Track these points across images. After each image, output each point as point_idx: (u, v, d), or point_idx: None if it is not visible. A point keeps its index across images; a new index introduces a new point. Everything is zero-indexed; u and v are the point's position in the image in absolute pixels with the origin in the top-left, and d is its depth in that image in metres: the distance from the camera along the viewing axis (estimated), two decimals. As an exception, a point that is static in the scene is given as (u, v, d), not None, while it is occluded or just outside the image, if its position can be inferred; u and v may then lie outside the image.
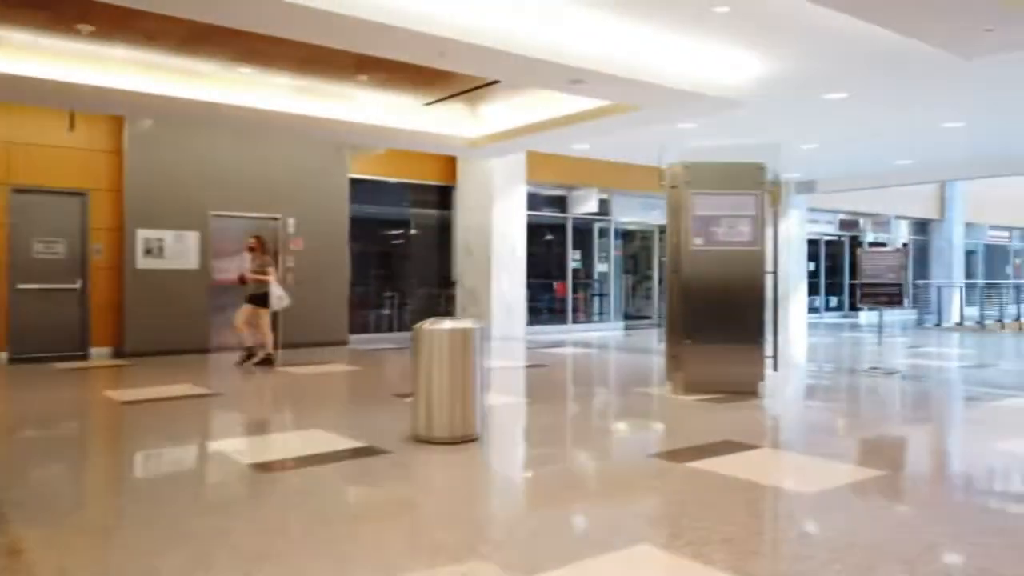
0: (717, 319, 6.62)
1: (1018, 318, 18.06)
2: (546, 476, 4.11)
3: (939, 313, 16.70)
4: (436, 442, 4.62)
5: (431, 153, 12.58)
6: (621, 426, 5.47)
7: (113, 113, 9.66)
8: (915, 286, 19.30)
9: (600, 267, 15.18)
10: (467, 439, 4.69)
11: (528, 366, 9.16)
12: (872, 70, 8.04)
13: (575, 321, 14.63)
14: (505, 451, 4.58)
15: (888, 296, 8.33)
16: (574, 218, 14.55)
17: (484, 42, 6.51)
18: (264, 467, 4.08)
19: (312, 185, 11.54)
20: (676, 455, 4.41)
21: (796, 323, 17.23)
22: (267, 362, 8.96)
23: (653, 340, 12.67)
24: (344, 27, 6.06)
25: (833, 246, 20.40)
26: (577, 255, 14.71)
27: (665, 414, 5.99)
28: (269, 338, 9.16)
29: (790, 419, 5.85)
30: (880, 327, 8.40)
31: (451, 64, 7.07)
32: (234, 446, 4.65)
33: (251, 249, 9.31)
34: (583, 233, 15.10)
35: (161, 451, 4.67)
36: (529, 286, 13.99)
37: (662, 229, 16.94)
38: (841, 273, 20.47)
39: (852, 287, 20.65)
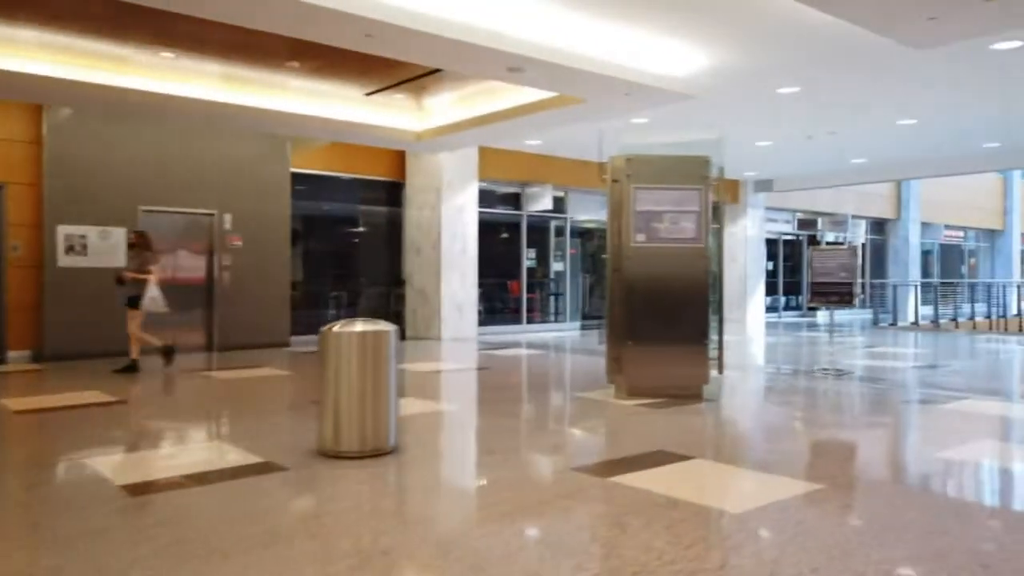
0: (660, 319, 6.31)
1: (972, 317, 18.16)
2: (451, 497, 3.73)
3: (895, 312, 16.70)
4: (344, 456, 4.22)
5: (380, 147, 12.13)
6: (550, 435, 5.11)
7: (23, 100, 9.04)
8: (871, 285, 19.36)
9: (556, 266, 14.86)
10: (379, 453, 4.29)
11: (471, 369, 8.78)
12: (823, 64, 7.82)
13: (530, 321, 14.29)
14: (416, 467, 4.18)
15: (839, 295, 8.10)
16: (529, 216, 14.21)
17: (414, 25, 6.12)
18: (137, 489, 3.64)
19: (251, 179, 11.01)
20: (601, 468, 4.06)
21: (754, 323, 17.11)
22: (131, 369, 8.21)
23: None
24: (264, 5, 5.62)
25: (791, 245, 20.37)
26: (532, 254, 14.37)
27: (601, 421, 5.65)
28: (137, 344, 8.34)
29: (731, 426, 5.55)
30: (831, 326, 8.16)
31: (379, 48, 6.65)
32: (112, 463, 4.18)
33: (131, 245, 8.67)
34: (538, 231, 14.76)
35: (26, 470, 4.19)
36: (483, 286, 13.60)
37: None
38: (800, 272, 20.45)
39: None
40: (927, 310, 18.53)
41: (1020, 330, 17.29)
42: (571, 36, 6.92)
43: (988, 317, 18.54)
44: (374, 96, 9.77)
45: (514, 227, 14.21)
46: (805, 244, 20.46)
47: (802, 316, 20.17)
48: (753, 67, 7.83)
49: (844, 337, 13.46)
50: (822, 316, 20.16)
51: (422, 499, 3.64)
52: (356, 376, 4.26)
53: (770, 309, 19.51)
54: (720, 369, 6.49)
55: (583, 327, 15.15)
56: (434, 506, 3.50)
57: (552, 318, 14.94)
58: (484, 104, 9.74)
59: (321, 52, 7.74)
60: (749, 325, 16.69)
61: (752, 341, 12.95)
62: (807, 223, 20.55)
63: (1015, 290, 21.14)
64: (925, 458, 4.42)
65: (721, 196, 6.47)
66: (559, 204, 14.80)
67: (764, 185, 17.52)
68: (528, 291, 14.33)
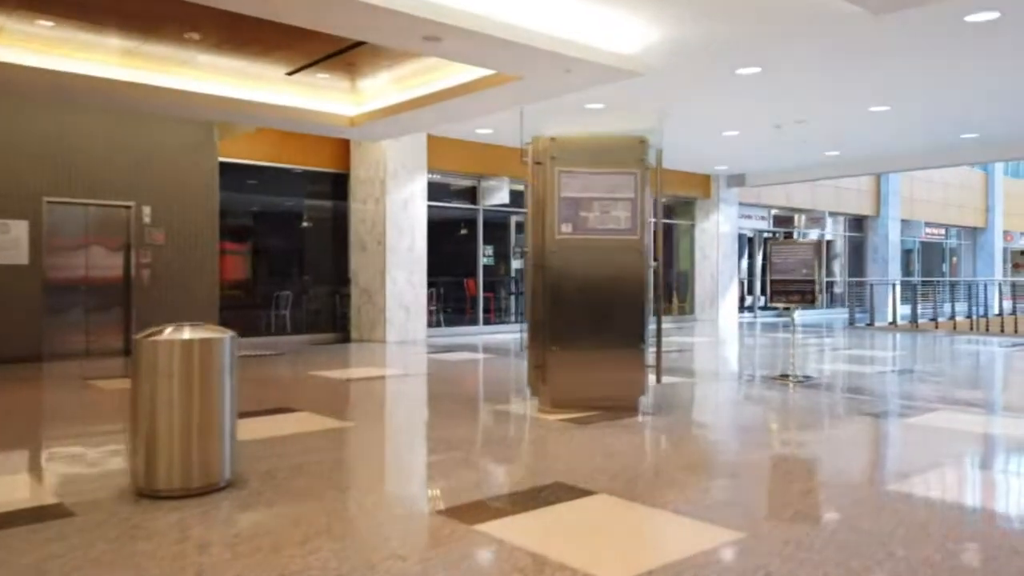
0: (589, 322, 5.52)
1: (952, 317, 17.51)
2: (255, 556, 2.92)
3: (872, 312, 16.01)
4: (161, 495, 3.40)
5: (323, 136, 11.29)
6: (439, 462, 4.30)
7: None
8: (850, 284, 18.67)
9: (516, 264, 14.06)
10: (208, 489, 3.47)
11: (399, 376, 7.96)
12: (784, 41, 7.07)
13: (487, 322, 13.48)
14: (240, 509, 3.34)
15: (800, 294, 7.34)
16: (485, 210, 13.39)
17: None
18: None
19: (173, 169, 10.13)
20: (473, 511, 3.26)
21: (727, 323, 16.38)
22: None
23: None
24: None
25: (768, 243, 19.66)
26: (490, 251, 13.57)
27: (511, 441, 4.86)
28: None
29: (657, 449, 4.77)
30: (796, 327, 7.39)
31: (283, 13, 5.82)
32: None
33: None
34: (497, 227, 13.97)
35: None
36: (435, 285, 12.81)
37: None
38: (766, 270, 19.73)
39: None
40: (907, 309, 17.87)
41: (1001, 330, 16.64)
42: (497, 2, 6.12)
43: (969, 317, 17.91)
44: (299, 77, 8.93)
45: (470, 223, 13.40)
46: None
47: (778, 316, 19.47)
48: (708, 43, 7.06)
49: (817, 338, 12.75)
50: (799, 316, 19.46)
51: (223, 556, 2.81)
52: (179, 395, 3.44)
53: (747, 308, 18.81)
54: (658, 378, 5.70)
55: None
56: (226, 569, 2.68)
57: (512, 319, 14.14)
58: (422, 85, 8.93)
59: (223, 22, 6.91)
60: (722, 325, 15.96)
61: (721, 343, 12.20)
62: (784, 220, 19.88)
63: (996, 289, 20.54)
64: (876, 493, 3.65)
65: (656, 184, 5.68)
66: (519, 199, 14.00)
67: (737, 180, 16.80)
68: (485, 290, 13.52)
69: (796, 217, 19.95)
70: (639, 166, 5.58)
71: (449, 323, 13.13)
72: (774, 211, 19.31)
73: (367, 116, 9.76)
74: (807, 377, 7.42)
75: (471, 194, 13.37)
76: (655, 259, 5.84)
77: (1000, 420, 5.64)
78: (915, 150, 13.58)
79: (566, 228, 5.53)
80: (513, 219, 14.21)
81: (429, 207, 11.95)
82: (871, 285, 17.39)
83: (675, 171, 16.05)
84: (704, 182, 16.84)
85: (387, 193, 11.46)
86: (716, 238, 16.96)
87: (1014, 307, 20.29)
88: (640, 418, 5.43)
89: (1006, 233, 25.85)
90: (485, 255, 13.48)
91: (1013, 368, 9.33)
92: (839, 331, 14.68)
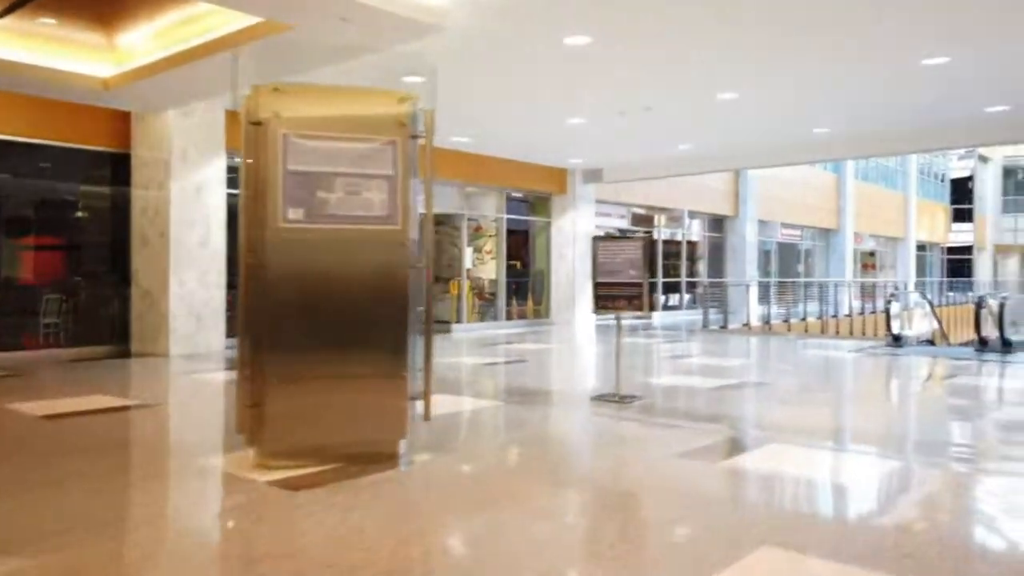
0: (328, 341, 4.07)
1: (804, 318, 17.42)
2: None
3: (725, 314, 15.53)
4: None
5: (101, 108, 9.25)
6: None
7: None
8: (703, 285, 18.24)
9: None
10: None
11: (121, 408, 6.17)
12: (612, 6, 5.93)
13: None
14: None
15: (627, 299, 6.20)
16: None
17: None
18: None
19: None
20: None
21: (583, 326, 15.44)
22: None
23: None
24: None
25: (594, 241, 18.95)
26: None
27: (165, 528, 3.32)
28: None
29: (402, 526, 3.38)
30: (619, 336, 6.25)
31: None
32: None
33: None
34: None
35: None
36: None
37: (441, 218, 14.68)
38: (636, 271, 19.09)
39: (650, 285, 19.38)
40: (764, 310, 17.64)
41: (850, 332, 16.63)
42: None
43: (820, 317, 17.93)
44: (36, 28, 6.95)
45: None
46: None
47: (638, 318, 18.84)
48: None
49: (665, 343, 11.93)
50: (659, 317, 18.93)
51: None
52: None
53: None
54: (426, 413, 4.32)
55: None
56: None
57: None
58: (185, 38, 7.18)
59: None
60: (578, 329, 14.98)
61: (565, 351, 11.11)
62: (644, 219, 19.28)
63: (847, 289, 20.87)
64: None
65: (427, 161, 4.29)
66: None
67: (593, 175, 15.89)
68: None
69: (656, 216, 19.40)
70: (399, 132, 4.17)
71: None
72: (634, 209, 18.65)
73: (124, 77, 7.89)
74: (632, 397, 6.29)
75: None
76: (447, 257, 4.44)
77: (840, 458, 4.65)
78: (767, 146, 13.07)
79: (295, 214, 4.04)
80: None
81: (227, 195, 10.12)
82: (726, 286, 16.99)
83: (528, 164, 14.93)
84: (560, 177, 15.82)
85: (172, 177, 9.55)
86: (573, 237, 15.99)
87: (863, 307, 20.69)
88: (398, 470, 4.03)
89: (856, 235, 26.67)
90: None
91: (859, 378, 8.69)
92: (691, 335, 14.02)
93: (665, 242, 19.69)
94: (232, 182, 10.31)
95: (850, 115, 10.76)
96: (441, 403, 6.07)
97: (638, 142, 12.74)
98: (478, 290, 15.35)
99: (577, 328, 15.18)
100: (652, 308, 18.91)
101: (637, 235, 5.75)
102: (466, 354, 10.37)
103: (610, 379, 6.43)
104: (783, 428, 5.32)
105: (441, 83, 8.38)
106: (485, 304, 15.41)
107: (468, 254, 14.65)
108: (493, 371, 8.53)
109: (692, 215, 20.30)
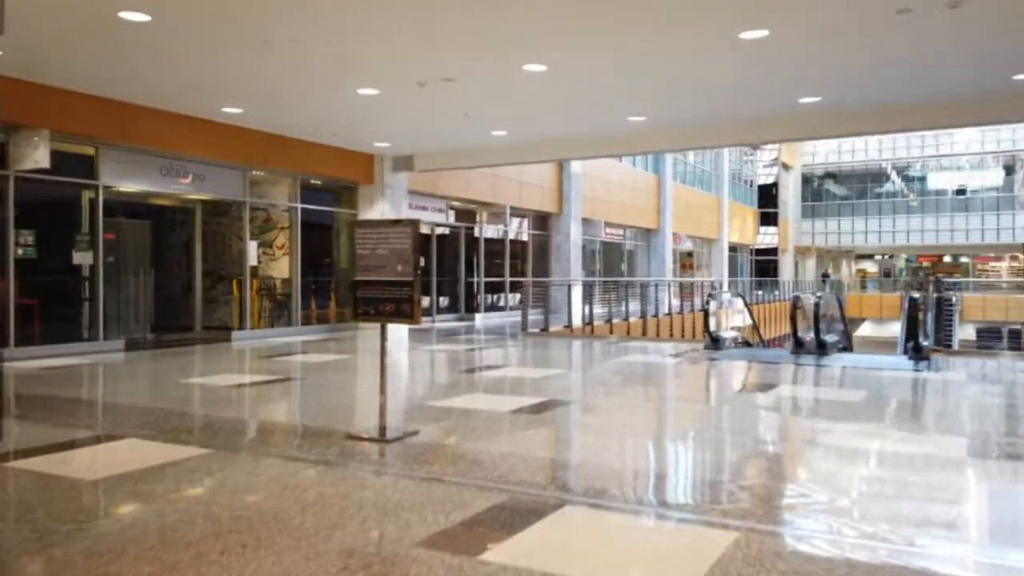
0: None
1: (627, 318, 16.86)
2: None
3: (547, 315, 14.52)
4: None
5: None
6: None
7: None
8: (522, 285, 17.20)
9: (80, 257, 9.92)
10: None
11: None
12: None
13: (26, 342, 9.19)
14: None
15: (395, 303, 4.66)
16: (20, 177, 9.09)
17: None
18: None
19: None
20: None
21: (393, 334, 13.78)
22: None
23: (145, 374, 7.92)
24: None
25: (447, 239, 17.57)
26: (30, 238, 9.30)
27: None
28: None
29: None
30: (383, 347, 4.69)
31: None
32: None
33: None
34: (47, 205, 9.73)
35: None
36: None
37: (187, 205, 11.65)
38: (456, 269, 17.77)
39: (469, 285, 18.13)
40: (589, 308, 16.90)
41: (670, 333, 16.26)
42: None
43: (643, 317, 17.52)
44: None
45: (-6, 196, 8.98)
46: (463, 238, 17.86)
47: (460, 319, 17.51)
48: None
49: (475, 350, 10.59)
50: (481, 319, 17.71)
51: None
52: None
53: (422, 312, 16.45)
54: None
55: (132, 345, 10.42)
56: None
57: (84, 335, 9.98)
58: None
59: None
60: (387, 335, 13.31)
61: (353, 364, 9.41)
62: (466, 214, 17.97)
63: (667, 288, 20.80)
64: None
65: None
66: (85, 164, 9.91)
67: (404, 163, 14.29)
68: (25, 295, 9.24)
69: (477, 212, 18.16)
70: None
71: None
72: (453, 203, 17.28)
73: None
74: (400, 434, 4.77)
75: (-4, 153, 8.99)
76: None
77: (653, 531, 3.39)
78: (584, 135, 12.11)
79: None
80: (86, 194, 10.07)
81: None
82: (549, 286, 16.06)
83: (328, 147, 13.05)
84: (365, 164, 14.06)
85: None
86: (381, 231, 14.28)
87: (682, 305, 20.70)
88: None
89: (675, 235, 27.09)
90: (23, 245, 9.19)
91: (679, 393, 7.77)
92: (510, 338, 12.84)
93: (488, 240, 18.51)
94: None
95: (666, 103, 9.97)
96: (120, 453, 4.23)
97: (448, 124, 11.30)
98: (267, 291, 13.24)
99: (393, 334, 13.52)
100: (430, 314, 17.64)
101: (404, 220, 4.18)
102: (226, 370, 8.41)
103: (387, 404, 4.86)
104: (584, 475, 4.02)
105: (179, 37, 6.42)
106: (277, 307, 13.33)
107: (252, 248, 12.51)
108: (239, 396, 6.69)
109: (516, 212, 19.29)
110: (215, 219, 12.79)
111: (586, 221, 21.51)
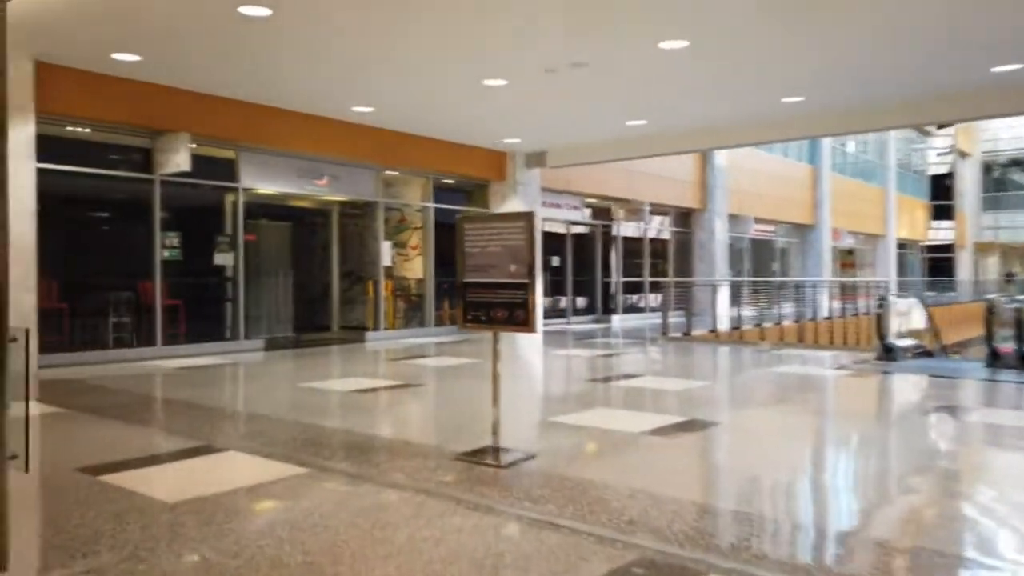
0: None
1: (779, 322, 15.38)
2: None
3: (689, 319, 13.47)
4: None
5: None
6: None
7: None
8: (663, 285, 16.15)
9: (222, 259, 10.18)
10: None
11: None
12: None
13: (172, 341, 9.51)
14: None
15: (507, 309, 4.06)
16: (165, 181, 9.40)
17: None
18: None
19: None
20: None
21: (531, 336, 13.32)
22: None
23: (280, 373, 7.90)
24: None
25: (583, 238, 16.88)
26: (175, 240, 9.61)
27: None
28: None
29: None
30: (494, 356, 4.11)
31: None
32: None
33: None
34: (191, 208, 10.04)
35: None
36: (81, 289, 8.80)
37: (318, 206, 11.82)
38: (592, 269, 17.03)
39: (606, 286, 17.32)
40: (737, 311, 15.63)
41: (831, 341, 14.64)
42: None
43: (798, 320, 15.95)
44: None
45: (136, 200, 9.32)
46: (599, 236, 17.10)
47: (596, 321, 16.76)
48: None
49: (615, 356, 9.81)
50: (619, 321, 16.87)
51: None
52: None
53: (556, 314, 15.91)
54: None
55: (271, 345, 10.60)
56: None
57: (226, 335, 10.24)
58: None
59: None
60: (525, 336, 12.88)
61: (469, 371, 8.96)
62: (603, 212, 17.20)
63: (826, 290, 18.95)
64: None
65: None
66: (226, 168, 10.15)
67: (536, 159, 13.77)
68: (170, 296, 9.56)
69: (613, 209, 17.33)
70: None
71: (105, 344, 9.06)
72: (588, 200, 16.57)
73: None
74: (515, 458, 4.15)
75: (142, 156, 9.34)
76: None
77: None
78: (730, 121, 10.99)
79: None
80: (228, 197, 10.33)
81: (47, 172, 7.86)
82: (692, 287, 14.96)
83: (459, 145, 12.78)
84: (497, 161, 13.68)
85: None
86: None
87: (843, 308, 18.78)
88: None
89: (834, 231, 24.81)
90: (168, 246, 9.51)
91: (848, 415, 6.65)
92: (649, 343, 11.94)
93: (626, 238, 17.63)
94: (51, 155, 8.08)
95: (830, 80, 8.72)
96: (213, 469, 3.91)
97: (581, 116, 10.63)
98: (402, 292, 13.16)
99: (524, 339, 13.07)
100: (565, 315, 16.83)
101: (518, 213, 3.53)
102: (357, 373, 8.19)
103: (506, 420, 4.29)
104: (734, 528, 3.22)
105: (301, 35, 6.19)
106: (411, 308, 13.22)
107: (387, 249, 12.44)
108: (355, 404, 6.36)
109: (656, 209, 18.27)
110: (352, 220, 12.86)
111: (733, 217, 20.05)
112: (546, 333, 13.52)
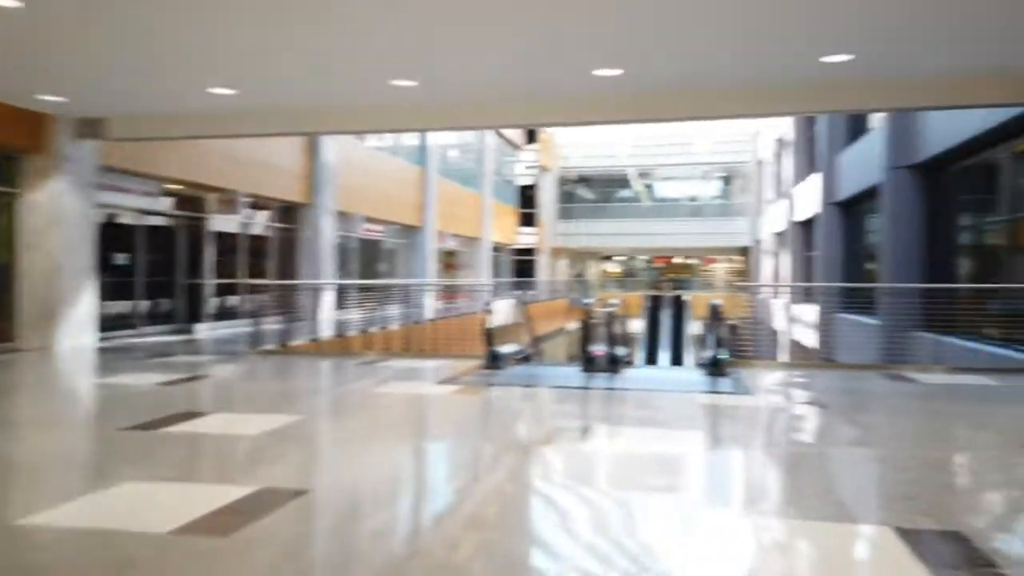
0: None
1: (384, 325, 14.60)
2: None
3: (288, 328, 11.86)
4: None
5: None
6: None
7: None
8: (249, 288, 14.28)
9: None
10: None
11: None
12: None
13: None
14: None
15: None
16: None
17: None
18: None
19: None
20: None
21: (73, 353, 10.26)
22: None
23: None
24: None
25: (163, 232, 14.02)
26: None
27: None
28: None
29: None
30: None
31: None
32: None
33: None
34: None
35: None
36: None
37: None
38: (174, 269, 14.28)
39: (193, 288, 14.68)
40: (343, 315, 14.45)
41: (436, 348, 14.30)
42: None
43: (406, 325, 15.42)
44: None
45: None
46: (186, 230, 14.40)
47: (177, 332, 14.05)
48: None
49: (166, 382, 7.72)
50: (208, 330, 14.43)
51: None
52: None
53: (121, 323, 12.86)
54: None
55: None
56: None
57: None
58: None
59: None
60: (61, 357, 9.82)
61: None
62: (193, 201, 14.53)
63: (434, 292, 18.95)
64: None
65: None
66: None
67: (91, 128, 10.78)
68: None
69: (205, 198, 14.81)
70: None
71: None
72: (172, 188, 13.82)
73: None
74: None
75: None
76: None
77: None
78: (340, 101, 9.73)
79: None
80: None
81: None
82: (294, 291, 13.37)
83: (-38, 95, 9.24)
84: (33, 126, 10.35)
85: None
86: (58, 218, 10.65)
87: (447, 309, 19.01)
88: None
89: (439, 233, 25.42)
90: None
91: (450, 459, 5.80)
92: (232, 361, 9.96)
93: (221, 234, 15.23)
94: None
95: (444, 64, 7.99)
96: None
97: (149, 71, 8.29)
98: None
99: (60, 356, 9.98)
100: (133, 326, 14.33)
101: None
102: None
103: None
104: None
105: None
106: None
107: None
108: None
109: (257, 201, 16.20)
110: None
111: (342, 215, 18.94)
112: (101, 350, 10.66)
